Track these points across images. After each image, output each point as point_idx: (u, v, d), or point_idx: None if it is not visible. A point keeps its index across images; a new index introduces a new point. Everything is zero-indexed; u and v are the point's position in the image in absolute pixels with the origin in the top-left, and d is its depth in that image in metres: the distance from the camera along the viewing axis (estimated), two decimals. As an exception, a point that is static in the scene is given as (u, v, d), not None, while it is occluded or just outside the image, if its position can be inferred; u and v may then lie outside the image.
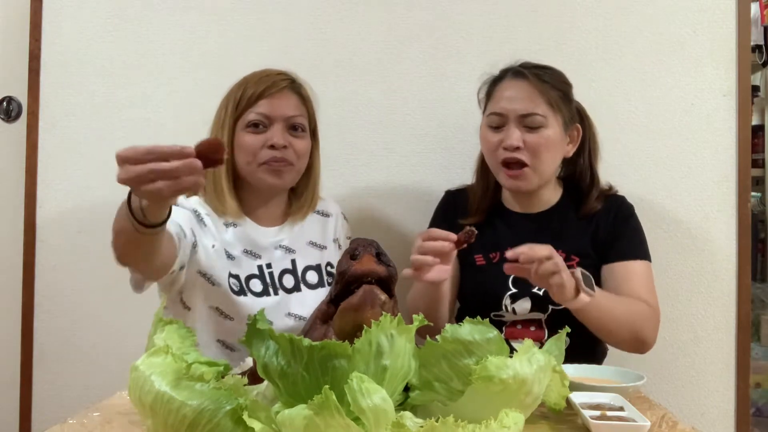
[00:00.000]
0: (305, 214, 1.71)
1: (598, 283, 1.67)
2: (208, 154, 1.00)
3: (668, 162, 1.99)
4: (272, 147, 1.57)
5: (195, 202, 1.59)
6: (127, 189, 1.06)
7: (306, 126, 1.64)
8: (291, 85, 1.63)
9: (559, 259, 1.36)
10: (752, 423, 2.04)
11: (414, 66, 2.03)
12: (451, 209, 1.82)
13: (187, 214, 1.54)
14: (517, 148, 1.61)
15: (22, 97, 2.12)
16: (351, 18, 2.04)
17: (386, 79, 2.03)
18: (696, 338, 1.99)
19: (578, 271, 1.41)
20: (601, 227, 1.70)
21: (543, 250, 1.35)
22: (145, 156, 0.97)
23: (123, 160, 0.98)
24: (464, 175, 1.90)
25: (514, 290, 1.66)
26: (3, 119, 2.16)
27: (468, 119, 1.95)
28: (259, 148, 1.57)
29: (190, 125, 2.05)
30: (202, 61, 2.06)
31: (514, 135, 1.61)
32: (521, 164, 1.63)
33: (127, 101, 2.07)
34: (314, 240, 1.72)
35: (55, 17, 2.08)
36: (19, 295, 2.08)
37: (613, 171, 1.88)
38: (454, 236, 1.36)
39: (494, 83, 1.71)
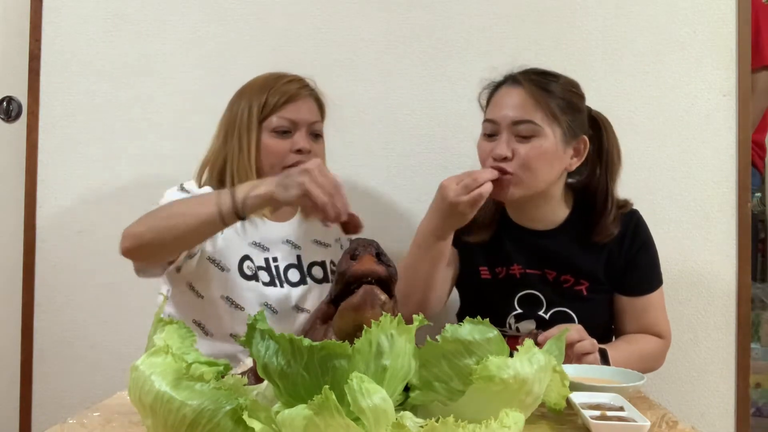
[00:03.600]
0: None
1: (611, 310, 1.67)
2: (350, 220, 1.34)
3: (668, 162, 1.99)
4: (299, 152, 1.62)
5: (208, 188, 1.61)
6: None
7: (322, 132, 1.70)
8: (311, 92, 1.68)
9: (589, 338, 1.35)
10: (752, 423, 2.03)
11: (414, 66, 2.03)
12: None
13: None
14: (505, 158, 1.54)
15: (22, 97, 2.12)
16: (351, 18, 2.04)
17: (386, 79, 2.03)
18: (696, 338, 1.99)
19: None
20: (616, 253, 1.63)
21: (574, 334, 1.33)
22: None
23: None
24: (464, 175, 1.89)
25: (519, 311, 1.63)
26: (3, 119, 2.16)
27: (468, 119, 1.95)
28: (285, 152, 1.62)
29: (190, 125, 2.05)
30: (202, 61, 2.06)
31: (502, 144, 1.54)
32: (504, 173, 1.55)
33: (127, 101, 2.07)
34: (318, 239, 1.75)
35: (55, 17, 2.08)
36: (19, 295, 2.08)
37: (613, 171, 1.88)
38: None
39: (494, 90, 1.65)
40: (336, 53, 2.04)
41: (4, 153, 2.15)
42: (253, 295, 1.60)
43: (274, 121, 1.62)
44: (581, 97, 1.63)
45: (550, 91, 1.57)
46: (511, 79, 1.61)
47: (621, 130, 1.98)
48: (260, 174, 1.62)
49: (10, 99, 2.15)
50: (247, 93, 1.65)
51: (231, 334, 1.59)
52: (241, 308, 1.59)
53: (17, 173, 2.11)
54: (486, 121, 1.61)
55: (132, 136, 2.07)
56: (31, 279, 2.08)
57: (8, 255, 2.12)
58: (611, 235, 1.62)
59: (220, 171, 1.64)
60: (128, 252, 1.42)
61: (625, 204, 1.68)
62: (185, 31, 2.07)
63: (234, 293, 1.59)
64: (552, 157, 1.56)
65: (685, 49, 1.99)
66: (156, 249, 1.41)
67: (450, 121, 2.03)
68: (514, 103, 1.57)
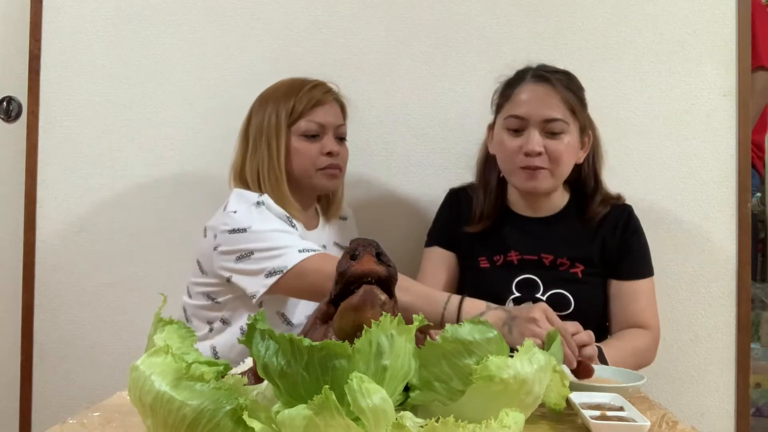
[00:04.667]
0: (336, 216, 1.82)
1: (605, 296, 1.71)
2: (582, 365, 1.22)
3: (668, 162, 1.99)
4: (329, 154, 1.67)
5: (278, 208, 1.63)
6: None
7: (346, 135, 1.76)
8: (336, 96, 1.74)
9: (585, 331, 1.36)
10: (752, 423, 2.03)
11: (414, 66, 2.03)
12: (454, 208, 1.81)
13: (282, 223, 1.59)
14: (539, 154, 1.61)
15: (22, 97, 2.12)
16: (351, 18, 2.04)
17: (386, 79, 2.03)
18: (696, 338, 1.99)
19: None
20: (609, 240, 1.71)
21: (570, 327, 1.35)
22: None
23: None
24: (464, 176, 1.90)
25: (517, 294, 1.66)
26: (3, 119, 2.15)
27: (468, 119, 1.95)
28: (316, 155, 1.67)
29: (190, 125, 2.05)
30: (202, 61, 2.06)
31: (536, 140, 1.61)
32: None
33: (127, 101, 2.07)
34: (337, 241, 1.80)
35: (55, 17, 2.08)
36: (19, 295, 2.08)
37: (613, 172, 1.89)
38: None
39: (512, 85, 1.69)
40: (336, 53, 2.04)
41: (4, 153, 2.15)
42: (301, 311, 1.64)
43: (303, 125, 1.66)
44: (584, 91, 1.71)
45: (570, 88, 1.66)
46: (536, 76, 1.66)
47: (621, 130, 1.99)
48: (290, 177, 1.67)
49: (10, 99, 2.15)
50: (272, 100, 1.67)
51: None
52: (291, 324, 1.63)
53: (17, 173, 2.11)
54: (512, 116, 1.65)
55: (132, 136, 2.07)
56: (31, 279, 2.08)
57: (8, 255, 2.12)
58: (600, 213, 1.71)
59: (252, 176, 1.67)
60: (306, 292, 1.50)
61: (618, 197, 1.76)
62: (185, 31, 2.06)
63: (287, 309, 1.64)
64: (574, 153, 1.66)
65: (685, 49, 1.99)
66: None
67: (450, 121, 2.03)
68: (543, 101, 1.63)
